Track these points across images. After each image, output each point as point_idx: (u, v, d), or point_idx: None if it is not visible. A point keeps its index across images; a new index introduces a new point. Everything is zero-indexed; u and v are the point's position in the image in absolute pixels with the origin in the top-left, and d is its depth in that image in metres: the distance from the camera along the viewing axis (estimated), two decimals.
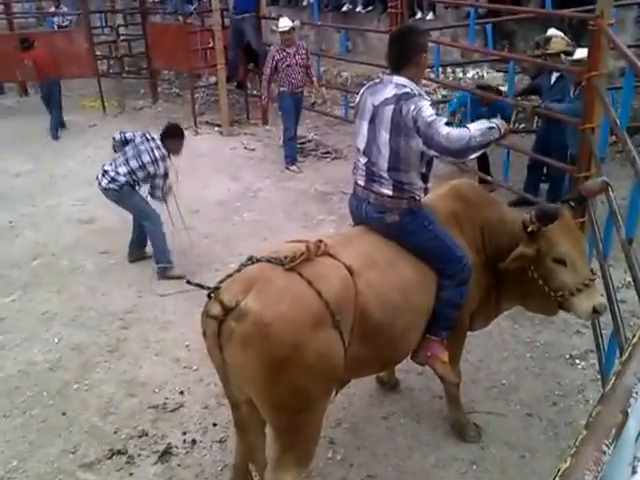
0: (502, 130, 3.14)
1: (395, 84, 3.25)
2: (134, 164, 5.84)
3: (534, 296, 3.59)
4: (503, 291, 3.72)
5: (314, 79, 9.04)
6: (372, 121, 3.29)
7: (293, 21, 8.87)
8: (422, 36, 3.38)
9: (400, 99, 3.16)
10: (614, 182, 4.41)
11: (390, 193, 3.29)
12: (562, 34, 7.03)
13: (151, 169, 5.82)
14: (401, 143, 3.17)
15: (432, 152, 3.13)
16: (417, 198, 3.34)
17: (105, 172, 5.90)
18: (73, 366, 4.76)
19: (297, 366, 2.74)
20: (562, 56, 6.68)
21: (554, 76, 6.87)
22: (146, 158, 5.83)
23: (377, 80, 3.46)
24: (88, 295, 5.76)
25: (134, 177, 5.86)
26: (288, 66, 8.60)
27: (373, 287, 3.05)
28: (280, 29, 8.66)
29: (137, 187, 6.00)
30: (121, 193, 5.88)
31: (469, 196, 3.63)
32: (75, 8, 14.67)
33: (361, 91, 3.48)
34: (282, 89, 8.75)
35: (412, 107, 3.10)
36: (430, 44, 3.79)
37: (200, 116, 11.18)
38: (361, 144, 3.38)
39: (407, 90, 3.21)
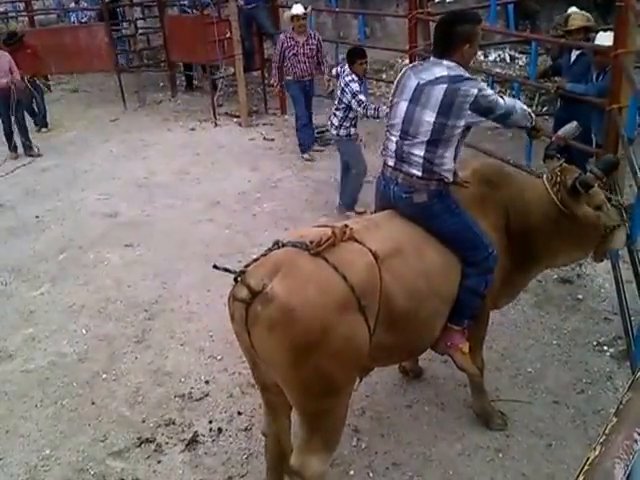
0: (533, 122, 3.46)
1: (446, 66, 3.23)
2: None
3: (562, 250, 3.77)
4: (531, 258, 3.73)
5: (325, 72, 8.90)
6: (413, 100, 3.26)
7: (306, 8, 8.75)
8: (468, 25, 3.29)
9: (455, 80, 3.16)
10: None
11: (419, 174, 3.27)
12: (579, 11, 6.86)
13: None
14: (448, 123, 3.16)
15: (483, 122, 3.29)
16: (446, 180, 3.32)
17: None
18: (101, 357, 4.82)
19: (322, 351, 2.75)
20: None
21: (574, 54, 6.73)
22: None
23: (420, 61, 3.46)
24: (114, 287, 5.81)
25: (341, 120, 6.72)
26: (294, 55, 8.54)
27: (398, 273, 3.04)
28: (292, 13, 8.57)
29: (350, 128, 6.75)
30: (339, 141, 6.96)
31: (491, 178, 3.62)
32: (94, 3, 14.72)
33: (403, 70, 3.48)
34: (288, 77, 8.73)
35: (475, 90, 3.13)
36: None
37: (219, 107, 11.17)
38: (397, 123, 3.34)
39: (461, 73, 3.22)
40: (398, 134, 3.33)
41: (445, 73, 3.19)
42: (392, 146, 3.37)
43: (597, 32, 6.36)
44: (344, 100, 6.55)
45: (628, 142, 4.79)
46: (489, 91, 3.21)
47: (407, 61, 9.45)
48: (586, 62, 6.46)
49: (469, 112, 3.14)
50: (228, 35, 10.33)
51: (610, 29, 5.92)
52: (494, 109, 3.20)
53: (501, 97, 3.29)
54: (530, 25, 10.20)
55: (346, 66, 6.66)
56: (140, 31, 12.76)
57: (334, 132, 6.84)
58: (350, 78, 6.51)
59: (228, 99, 11.73)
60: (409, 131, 3.27)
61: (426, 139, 3.21)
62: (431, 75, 3.22)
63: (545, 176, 3.72)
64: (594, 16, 6.92)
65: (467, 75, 3.23)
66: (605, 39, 5.82)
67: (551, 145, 3.89)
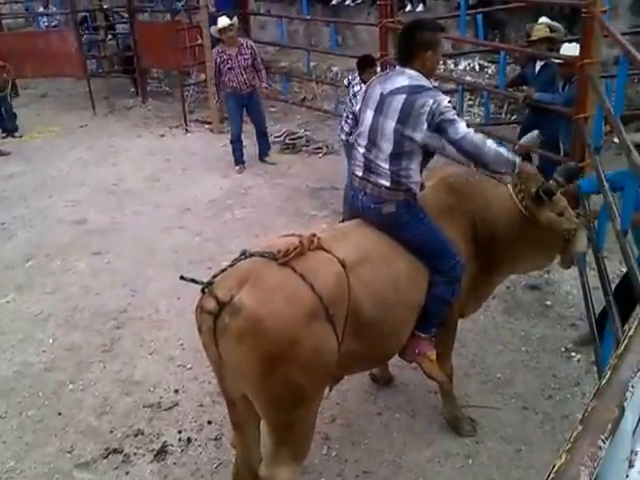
0: (515, 170, 3.30)
1: (408, 75, 3.23)
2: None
3: (526, 256, 3.83)
4: (497, 265, 3.77)
5: (264, 80, 8.73)
6: (378, 110, 3.26)
7: (232, 19, 8.45)
8: (428, 33, 3.28)
9: (414, 91, 3.15)
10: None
11: (387, 184, 3.27)
12: (549, 21, 6.96)
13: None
14: (405, 133, 3.16)
15: (445, 146, 3.19)
16: (413, 191, 3.33)
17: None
18: (68, 366, 4.74)
19: (291, 361, 2.75)
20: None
21: (539, 65, 6.83)
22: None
23: (387, 71, 3.46)
24: (82, 295, 5.73)
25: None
26: (229, 69, 8.35)
27: (366, 282, 3.04)
28: (219, 27, 8.33)
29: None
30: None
31: (459, 187, 3.65)
32: (63, 8, 14.57)
33: (371, 79, 3.49)
34: (227, 90, 8.56)
35: (431, 101, 3.10)
36: None
37: (190, 114, 11.13)
38: (364, 132, 3.35)
39: (422, 83, 3.21)
40: (365, 144, 3.34)
41: (406, 83, 3.20)
42: (360, 156, 3.37)
43: (562, 43, 6.46)
44: (354, 110, 6.43)
45: (595, 151, 4.85)
46: (447, 105, 3.13)
47: (378, 69, 9.51)
48: (550, 72, 6.56)
49: (426, 126, 3.11)
50: (199, 42, 10.31)
51: (575, 40, 6.02)
52: (446, 128, 3.10)
53: (474, 131, 3.21)
54: (499, 35, 10.32)
55: (356, 74, 6.62)
56: (110, 37, 12.64)
57: (344, 137, 6.63)
58: (358, 88, 6.43)
59: (199, 105, 11.69)
60: (375, 141, 3.28)
61: (389, 151, 3.22)
62: (392, 85, 3.23)
63: (509, 184, 3.76)
64: (560, 26, 7.01)
65: (429, 86, 3.24)
66: (570, 50, 5.92)
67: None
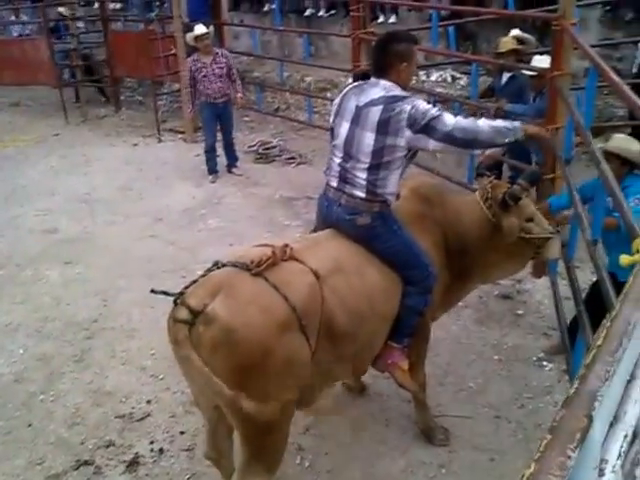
0: (519, 135, 3.22)
1: (383, 86, 3.25)
2: None
3: (498, 263, 3.85)
4: (469, 273, 3.81)
5: (238, 89, 8.60)
6: (354, 122, 3.26)
7: (208, 27, 8.46)
8: (403, 45, 3.31)
9: (390, 101, 3.16)
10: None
11: (363, 195, 3.27)
12: (520, 33, 7.06)
13: None
14: (387, 143, 3.15)
15: (431, 145, 3.13)
16: (389, 202, 3.34)
17: None
18: (39, 377, 4.68)
19: (264, 371, 2.73)
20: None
21: (505, 76, 6.91)
22: None
23: (362, 82, 3.44)
24: (53, 305, 5.66)
25: None
26: (204, 77, 8.30)
27: (339, 292, 3.04)
28: (195, 34, 8.31)
29: None
30: None
31: (430, 196, 3.68)
32: (35, 17, 14.43)
33: (344, 91, 3.48)
34: (202, 99, 8.50)
35: (408, 107, 3.11)
36: None
37: (163, 123, 11.08)
38: (339, 144, 3.34)
39: (397, 93, 3.22)
40: (340, 155, 3.34)
41: (382, 94, 3.21)
42: (335, 167, 3.37)
43: (533, 54, 6.56)
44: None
45: (565, 162, 4.92)
46: (426, 105, 3.14)
47: (351, 80, 9.55)
48: (518, 84, 6.66)
49: (409, 131, 3.11)
50: (173, 51, 10.28)
51: (547, 52, 6.11)
52: (435, 126, 3.07)
53: (455, 115, 3.20)
54: (471, 46, 10.44)
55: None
56: (83, 45, 12.55)
57: None
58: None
59: (173, 115, 11.64)
60: (351, 153, 3.28)
61: (368, 161, 3.21)
62: (368, 97, 3.24)
63: (477, 192, 3.81)
64: (530, 38, 7.12)
65: (404, 94, 3.24)
66: (541, 62, 6.01)
67: (481, 164, 4.00)
